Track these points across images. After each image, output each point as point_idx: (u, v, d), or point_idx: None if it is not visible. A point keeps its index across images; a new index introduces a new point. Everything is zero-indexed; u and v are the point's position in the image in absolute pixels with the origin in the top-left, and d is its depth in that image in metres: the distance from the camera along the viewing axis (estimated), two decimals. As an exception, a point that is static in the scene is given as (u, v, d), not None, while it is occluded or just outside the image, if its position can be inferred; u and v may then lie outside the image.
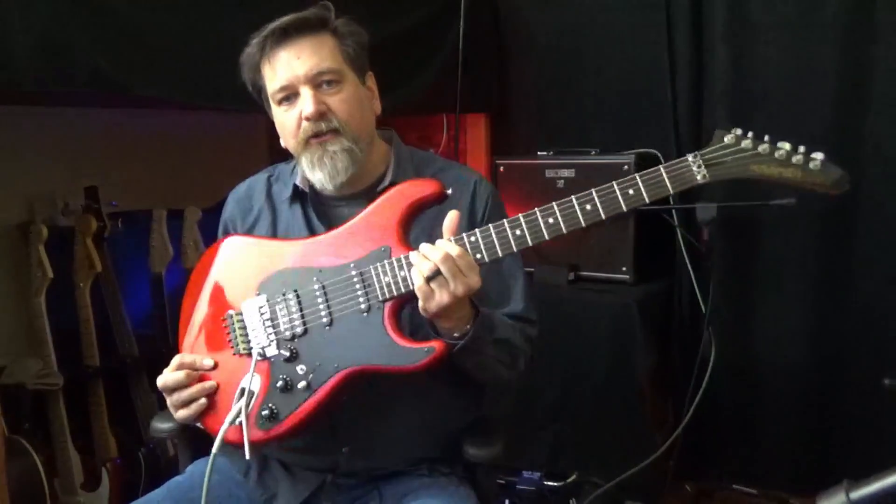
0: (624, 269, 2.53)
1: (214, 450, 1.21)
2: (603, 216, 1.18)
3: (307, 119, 1.33)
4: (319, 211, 1.43)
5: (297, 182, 1.45)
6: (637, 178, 1.17)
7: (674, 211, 2.60)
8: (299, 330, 1.29)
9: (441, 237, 1.22)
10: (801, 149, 1.13)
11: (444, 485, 1.39)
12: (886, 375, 2.08)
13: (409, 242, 1.27)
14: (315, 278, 1.29)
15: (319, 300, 1.28)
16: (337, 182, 1.36)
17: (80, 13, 1.75)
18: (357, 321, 1.26)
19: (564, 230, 1.19)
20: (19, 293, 2.37)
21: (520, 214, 1.21)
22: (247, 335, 1.32)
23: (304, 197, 1.45)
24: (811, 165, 1.12)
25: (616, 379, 2.48)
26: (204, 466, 1.45)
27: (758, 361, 2.59)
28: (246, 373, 1.27)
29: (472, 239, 1.21)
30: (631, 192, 1.17)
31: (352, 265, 1.27)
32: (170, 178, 2.76)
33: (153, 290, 2.54)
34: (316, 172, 1.36)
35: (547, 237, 1.20)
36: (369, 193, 1.42)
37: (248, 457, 1.24)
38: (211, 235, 1.53)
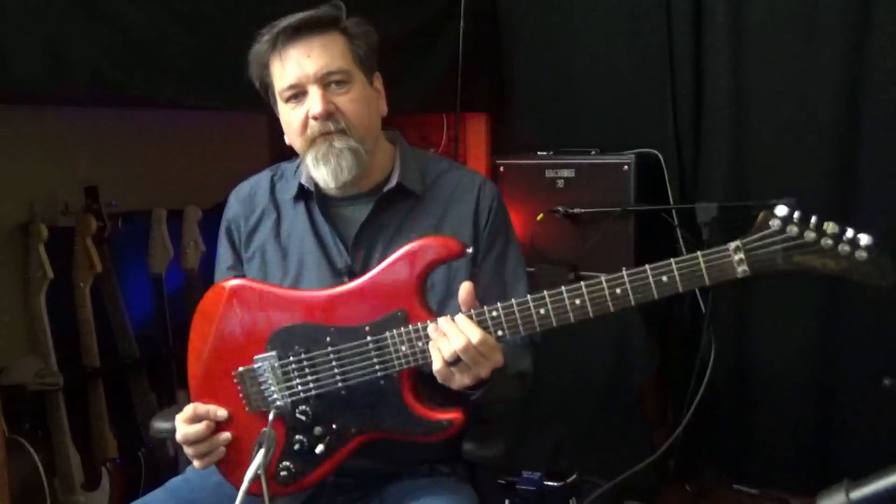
0: (624, 269, 2.51)
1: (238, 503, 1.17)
2: (633, 302, 1.13)
3: (315, 118, 1.32)
4: (324, 210, 1.43)
5: (303, 181, 1.44)
6: (673, 264, 1.11)
7: (674, 211, 2.60)
8: (314, 391, 1.26)
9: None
10: (849, 233, 1.06)
11: (444, 485, 1.39)
12: (886, 375, 2.08)
13: (428, 304, 1.25)
14: (328, 338, 1.25)
15: (333, 364, 1.25)
16: (340, 180, 1.35)
17: (80, 13, 1.75)
18: (373, 387, 1.24)
19: (591, 314, 1.15)
20: (19, 293, 2.37)
21: (545, 292, 1.16)
22: (260, 392, 1.29)
23: (309, 196, 1.44)
24: (857, 255, 1.05)
25: (616, 379, 2.48)
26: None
27: (758, 361, 2.59)
28: (261, 426, 1.24)
29: (494, 314, 1.18)
30: (665, 279, 1.12)
31: (367, 328, 1.24)
32: (170, 178, 2.76)
33: (153, 290, 2.55)
34: (320, 168, 1.35)
35: (572, 320, 1.16)
36: (375, 193, 1.42)
37: None
38: (211, 235, 1.53)
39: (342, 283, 1.38)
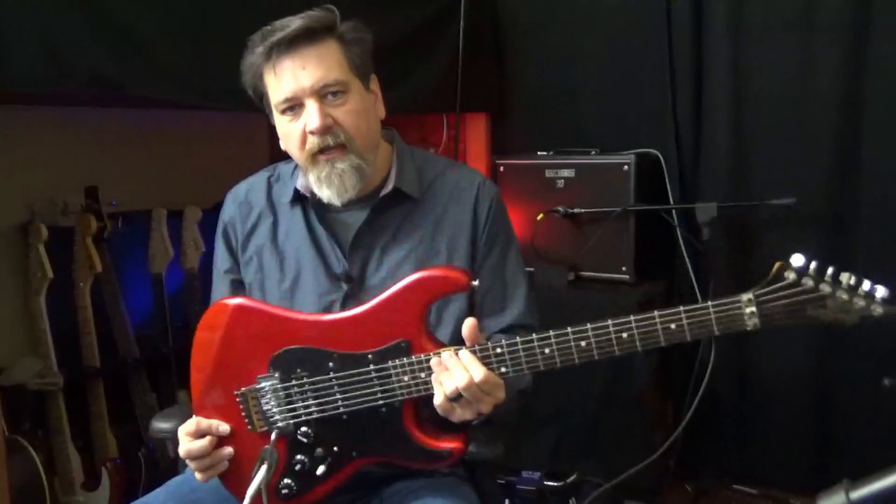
0: (624, 269, 2.53)
1: None
2: (639, 349, 1.12)
3: (313, 133, 1.31)
4: (321, 215, 1.42)
5: (298, 186, 1.43)
6: (682, 313, 1.10)
7: (674, 211, 2.60)
8: (316, 415, 1.26)
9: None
10: (865, 286, 1.04)
11: (444, 485, 1.39)
12: (886, 375, 2.08)
13: (432, 335, 1.25)
14: (330, 364, 1.25)
15: (335, 389, 1.25)
16: (345, 199, 1.35)
17: (80, 13, 1.75)
18: (375, 416, 1.24)
19: (596, 356, 1.14)
20: (19, 293, 2.37)
21: (551, 332, 1.15)
22: (262, 412, 1.29)
23: (306, 201, 1.44)
24: (872, 309, 1.04)
25: (616, 379, 2.48)
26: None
27: (758, 362, 2.59)
28: (263, 443, 1.25)
29: (498, 351, 1.17)
30: (673, 327, 1.10)
31: (369, 356, 1.23)
32: (170, 178, 2.76)
33: (153, 290, 2.55)
34: (324, 190, 1.34)
35: (577, 361, 1.15)
36: (372, 197, 1.41)
37: None
38: (211, 235, 1.53)
39: (340, 288, 1.39)
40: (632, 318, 1.12)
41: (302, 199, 1.44)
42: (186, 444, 1.29)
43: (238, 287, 1.49)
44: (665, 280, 2.69)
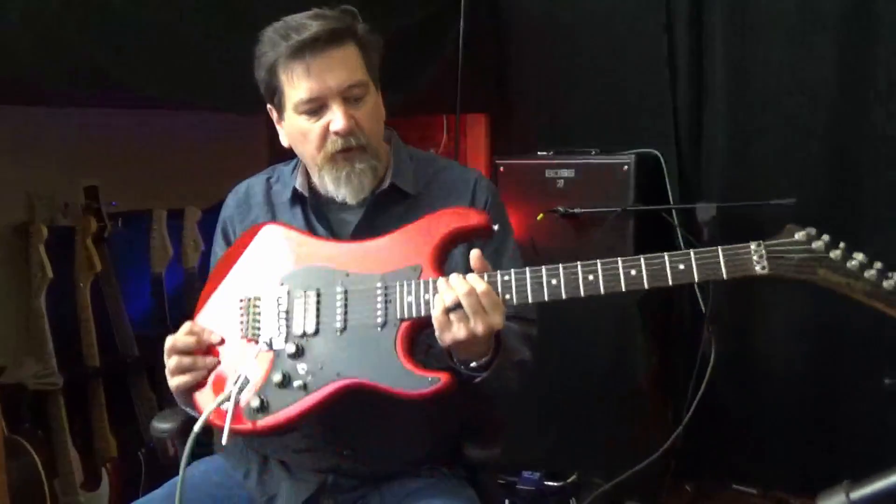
0: (641, 255, 2.52)
1: (196, 428, 1.20)
2: (646, 286, 1.13)
3: (337, 133, 1.32)
4: (319, 214, 1.43)
5: (297, 185, 1.44)
6: (691, 254, 1.11)
7: (674, 211, 2.60)
8: (311, 329, 1.27)
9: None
10: (878, 264, 1.05)
11: (445, 485, 1.39)
12: (886, 375, 2.08)
13: (443, 268, 1.26)
14: (340, 282, 1.28)
15: (339, 304, 1.26)
16: (359, 198, 1.37)
17: (81, 13, 1.75)
18: (370, 334, 1.24)
19: (602, 291, 1.15)
20: (19, 293, 2.37)
21: (560, 265, 1.17)
22: (259, 322, 1.30)
23: (304, 200, 1.44)
24: (885, 284, 1.04)
25: (616, 379, 2.48)
26: (204, 466, 1.46)
27: (758, 361, 2.60)
28: (248, 359, 1.27)
29: (506, 278, 1.19)
30: (681, 266, 1.12)
31: (380, 277, 1.25)
32: (170, 178, 2.76)
33: (153, 290, 2.55)
34: (341, 189, 1.36)
35: (583, 294, 1.15)
36: (369, 196, 1.41)
37: (224, 442, 1.22)
38: (211, 235, 1.53)
39: None
40: (641, 257, 1.13)
41: (301, 199, 1.45)
42: (172, 338, 1.32)
43: None
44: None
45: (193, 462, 1.49)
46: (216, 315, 1.36)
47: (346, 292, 1.27)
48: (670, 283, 1.12)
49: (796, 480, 2.54)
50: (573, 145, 2.73)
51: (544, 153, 2.72)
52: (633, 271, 1.14)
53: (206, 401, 1.29)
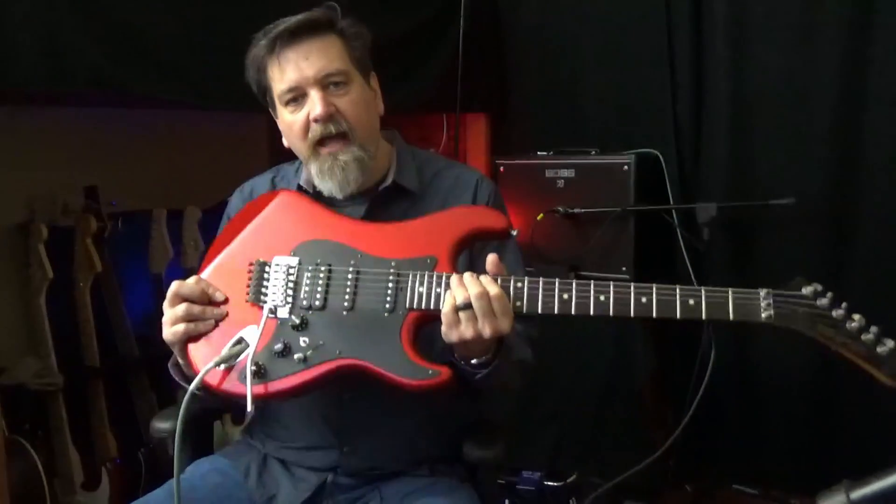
0: (624, 269, 2.52)
1: (192, 387, 1.18)
2: (654, 315, 1.15)
3: (316, 120, 1.33)
4: None
5: (301, 183, 1.45)
6: (702, 291, 1.14)
7: (674, 211, 2.60)
8: (318, 303, 1.27)
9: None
10: (874, 329, 1.09)
11: (444, 485, 1.39)
12: (886, 375, 2.08)
13: (457, 264, 1.26)
14: (353, 261, 1.28)
15: (348, 284, 1.27)
16: (347, 192, 1.37)
17: (81, 13, 1.75)
18: (376, 318, 1.24)
19: (612, 313, 1.16)
20: (19, 293, 2.37)
21: (573, 281, 1.18)
22: (266, 288, 1.30)
23: (308, 196, 1.45)
24: (879, 350, 1.08)
25: (616, 379, 2.48)
26: (204, 467, 1.46)
27: (758, 361, 2.59)
28: (250, 323, 1.26)
29: (519, 285, 1.19)
30: (691, 302, 1.14)
31: (393, 263, 1.26)
32: (170, 178, 2.76)
33: (153, 290, 2.54)
34: (326, 182, 1.36)
35: (592, 313, 1.17)
36: (371, 193, 1.42)
37: (249, 408, 1.19)
38: (211, 235, 1.53)
39: None
40: (654, 286, 1.15)
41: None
42: (179, 282, 1.30)
43: None
44: (665, 280, 2.67)
45: (193, 462, 1.49)
46: (222, 274, 1.35)
47: (357, 272, 1.27)
48: (678, 316, 1.14)
49: (796, 480, 2.53)
50: (573, 145, 2.73)
51: (544, 153, 2.72)
52: (643, 298, 1.16)
53: (199, 356, 1.29)
